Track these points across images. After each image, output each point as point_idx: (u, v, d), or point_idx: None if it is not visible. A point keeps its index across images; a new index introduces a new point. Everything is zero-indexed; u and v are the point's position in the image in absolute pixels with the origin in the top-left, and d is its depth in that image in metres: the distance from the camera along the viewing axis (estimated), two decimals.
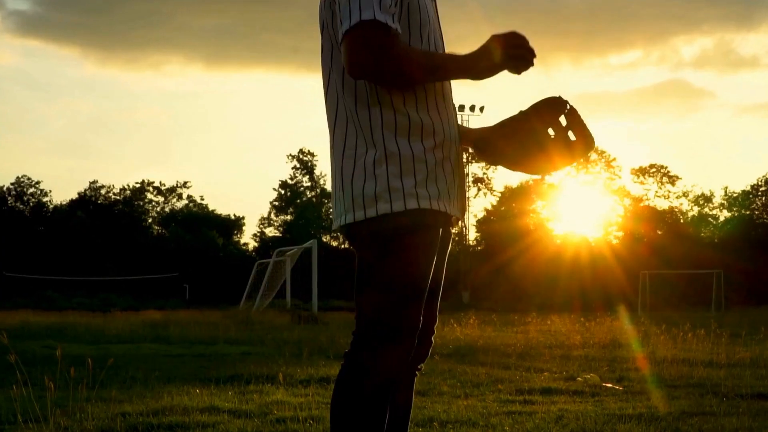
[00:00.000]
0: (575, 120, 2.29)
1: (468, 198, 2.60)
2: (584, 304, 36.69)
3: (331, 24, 2.25)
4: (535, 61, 2.25)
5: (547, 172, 2.39)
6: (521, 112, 2.32)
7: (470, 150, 2.48)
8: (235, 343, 12.24)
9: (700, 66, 79.79)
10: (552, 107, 2.28)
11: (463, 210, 2.39)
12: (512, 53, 2.22)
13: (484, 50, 2.22)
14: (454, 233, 2.53)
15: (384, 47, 2.10)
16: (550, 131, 2.30)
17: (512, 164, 2.39)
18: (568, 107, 2.28)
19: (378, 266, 2.20)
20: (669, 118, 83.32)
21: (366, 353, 2.23)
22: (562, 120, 2.30)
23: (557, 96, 2.28)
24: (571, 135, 2.30)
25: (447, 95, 2.35)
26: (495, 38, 2.22)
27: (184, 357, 9.79)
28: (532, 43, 2.24)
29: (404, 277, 2.18)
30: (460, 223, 2.45)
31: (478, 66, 2.22)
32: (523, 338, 13.04)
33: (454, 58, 2.23)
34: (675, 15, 75.19)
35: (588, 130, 2.30)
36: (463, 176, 2.40)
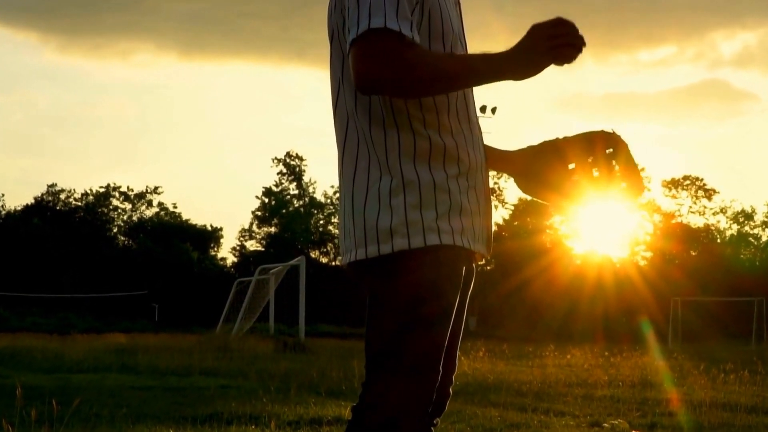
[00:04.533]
0: (624, 153, 2.31)
1: None
2: (608, 334, 36.73)
3: (342, 31, 2.25)
4: (583, 49, 2.14)
5: (577, 204, 2.42)
6: (565, 137, 2.36)
7: (509, 177, 2.50)
8: (212, 374, 12.22)
9: (741, 65, 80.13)
10: (599, 137, 2.32)
11: (488, 245, 2.39)
12: (558, 43, 2.10)
13: (523, 45, 2.12)
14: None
15: (393, 55, 2.06)
16: (591, 160, 2.33)
17: (551, 199, 2.45)
18: (618, 140, 2.32)
19: (389, 294, 2.20)
20: (706, 123, 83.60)
21: (373, 386, 2.22)
22: (608, 151, 2.32)
23: (610, 130, 2.31)
24: (618, 173, 2.33)
25: (472, 115, 2.35)
26: (536, 29, 2.13)
27: (155, 390, 9.78)
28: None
29: (419, 302, 2.17)
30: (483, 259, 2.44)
31: (518, 65, 2.13)
32: (540, 374, 13.03)
33: (486, 57, 2.15)
34: (713, 6, 75.56)
35: (638, 172, 2.33)
36: (489, 206, 2.39)
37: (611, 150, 2.32)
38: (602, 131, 2.32)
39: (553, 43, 2.10)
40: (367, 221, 2.21)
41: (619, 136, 2.32)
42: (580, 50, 2.14)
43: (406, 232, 2.17)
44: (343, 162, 2.31)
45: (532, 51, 2.10)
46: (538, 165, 2.38)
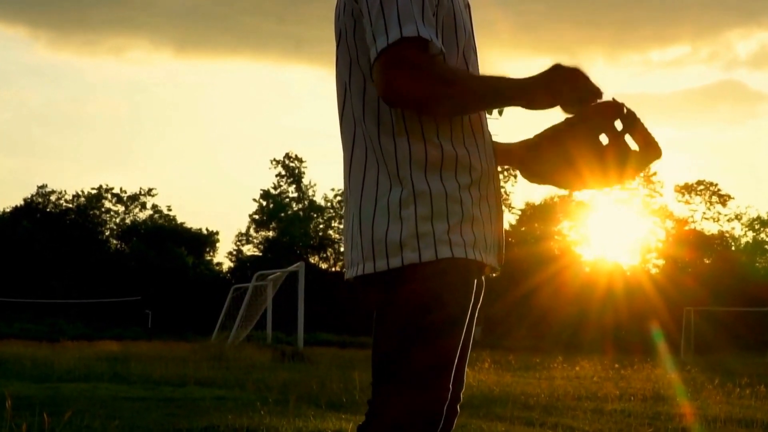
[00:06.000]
0: (635, 125, 2.30)
1: None
2: (618, 345, 36.74)
3: (353, 34, 2.24)
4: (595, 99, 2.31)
5: (601, 186, 2.41)
6: (567, 120, 2.34)
7: (515, 171, 2.51)
8: (207, 384, 12.23)
9: (757, 65, 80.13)
10: (604, 112, 2.30)
11: (500, 257, 2.38)
12: (575, 95, 2.26)
13: (544, 80, 2.23)
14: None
15: (428, 70, 2.09)
16: (603, 138, 2.31)
17: (562, 182, 2.43)
18: (625, 111, 2.30)
19: (394, 307, 2.20)
20: (720, 125, 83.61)
21: (376, 402, 2.22)
22: (618, 125, 2.31)
23: (611, 99, 2.30)
24: (631, 142, 2.32)
25: (484, 121, 2.36)
26: (558, 72, 2.23)
27: (148, 401, 9.78)
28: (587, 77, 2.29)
29: (424, 311, 2.16)
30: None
31: (536, 97, 2.23)
32: (548, 387, 13.03)
33: (510, 82, 2.22)
34: (728, 5, 75.56)
35: (652, 136, 2.31)
36: (500, 215, 2.39)
37: (618, 121, 2.30)
38: (601, 104, 2.29)
39: (566, 88, 2.23)
40: (375, 233, 2.20)
41: (622, 105, 2.30)
42: (585, 102, 2.28)
43: (416, 245, 2.17)
44: (350, 171, 2.31)
45: (547, 88, 2.22)
46: (547, 150, 2.37)
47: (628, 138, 2.31)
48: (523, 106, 2.24)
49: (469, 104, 2.21)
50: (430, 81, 2.10)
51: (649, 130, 2.32)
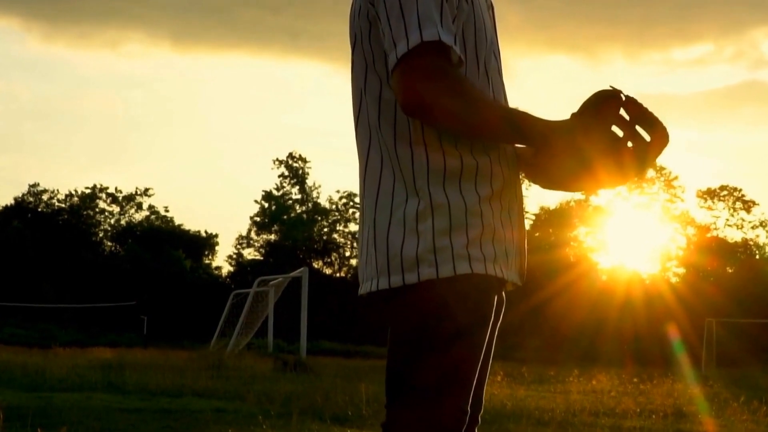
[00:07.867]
0: (639, 111, 2.26)
1: None
2: (637, 357, 36.67)
3: (368, 37, 2.24)
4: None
5: (619, 183, 2.33)
6: (573, 116, 2.27)
7: (522, 175, 2.43)
8: (205, 395, 12.24)
9: None
10: (605, 103, 2.24)
11: (522, 274, 2.37)
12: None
13: (565, 129, 2.21)
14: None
15: (458, 84, 2.09)
16: (615, 130, 2.26)
17: (577, 185, 2.37)
18: (624, 97, 2.24)
19: (408, 323, 2.18)
20: (745, 128, 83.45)
21: (389, 419, 2.20)
22: (624, 115, 2.26)
23: (607, 88, 2.25)
24: (641, 131, 2.27)
25: None
26: (580, 125, 2.21)
27: (144, 412, 9.80)
28: None
29: (436, 323, 2.15)
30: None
31: (557, 143, 2.21)
32: (563, 401, 13.01)
33: (535, 122, 2.20)
34: (754, 2, 75.43)
35: (656, 117, 2.26)
36: (522, 226, 2.37)
37: (621, 109, 2.25)
38: (599, 94, 2.24)
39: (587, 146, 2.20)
40: (390, 248, 2.19)
41: (619, 91, 2.24)
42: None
43: (433, 260, 2.15)
44: (365, 180, 2.30)
45: (569, 140, 2.20)
46: (558, 152, 2.28)
47: (638, 128, 2.27)
48: (535, 146, 2.23)
49: (486, 131, 2.18)
50: (458, 96, 2.10)
51: (653, 111, 2.27)
